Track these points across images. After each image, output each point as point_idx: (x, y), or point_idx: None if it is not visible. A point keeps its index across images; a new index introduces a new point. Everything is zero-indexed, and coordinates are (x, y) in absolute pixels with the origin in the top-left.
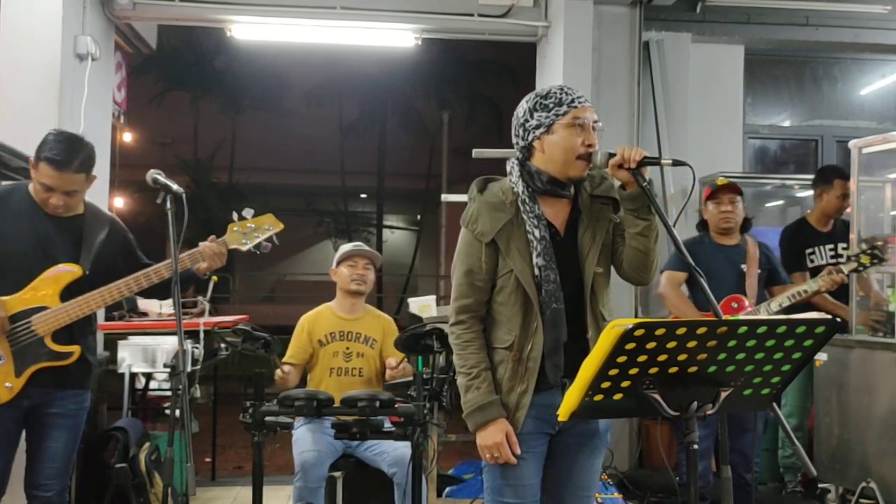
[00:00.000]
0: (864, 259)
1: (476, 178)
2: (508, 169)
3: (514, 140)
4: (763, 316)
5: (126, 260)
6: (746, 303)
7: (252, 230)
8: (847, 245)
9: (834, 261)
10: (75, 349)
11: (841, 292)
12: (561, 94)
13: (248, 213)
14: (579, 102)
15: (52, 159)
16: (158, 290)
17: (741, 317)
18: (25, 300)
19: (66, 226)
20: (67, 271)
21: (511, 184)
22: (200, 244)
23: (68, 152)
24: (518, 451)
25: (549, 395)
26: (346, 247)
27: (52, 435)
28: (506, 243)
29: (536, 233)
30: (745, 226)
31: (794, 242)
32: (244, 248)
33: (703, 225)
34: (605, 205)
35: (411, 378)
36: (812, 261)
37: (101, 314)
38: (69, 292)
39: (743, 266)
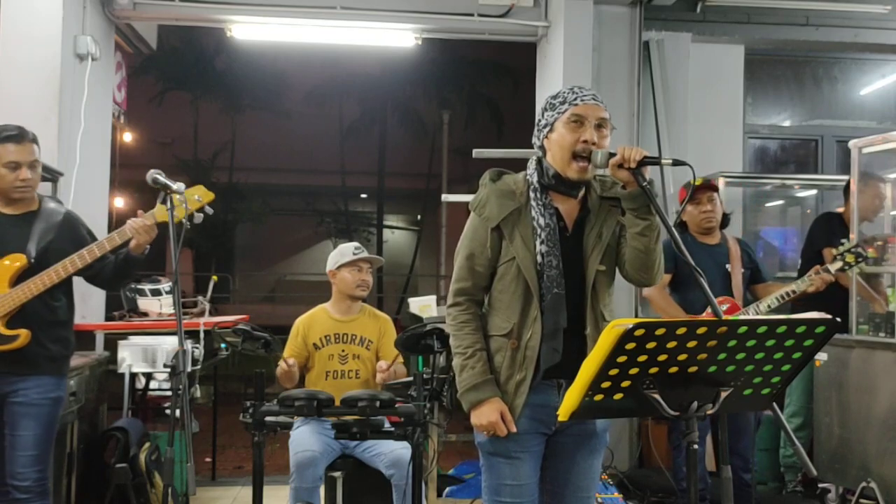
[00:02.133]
0: (850, 258)
1: (490, 169)
2: (529, 162)
3: (533, 140)
4: (753, 317)
5: (76, 251)
6: (737, 305)
7: (181, 202)
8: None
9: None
10: (21, 332)
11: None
12: (567, 93)
13: (179, 186)
14: (581, 100)
15: (11, 136)
16: (104, 274)
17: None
18: None
19: (19, 222)
20: (12, 259)
21: (527, 176)
22: (128, 221)
23: (18, 128)
24: (514, 429)
25: (544, 395)
26: (347, 250)
27: (21, 424)
28: (510, 230)
29: (542, 220)
30: (724, 222)
31: (828, 227)
32: (175, 221)
33: (681, 226)
34: (614, 206)
35: (411, 378)
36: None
37: (101, 314)
38: (21, 280)
39: (728, 266)
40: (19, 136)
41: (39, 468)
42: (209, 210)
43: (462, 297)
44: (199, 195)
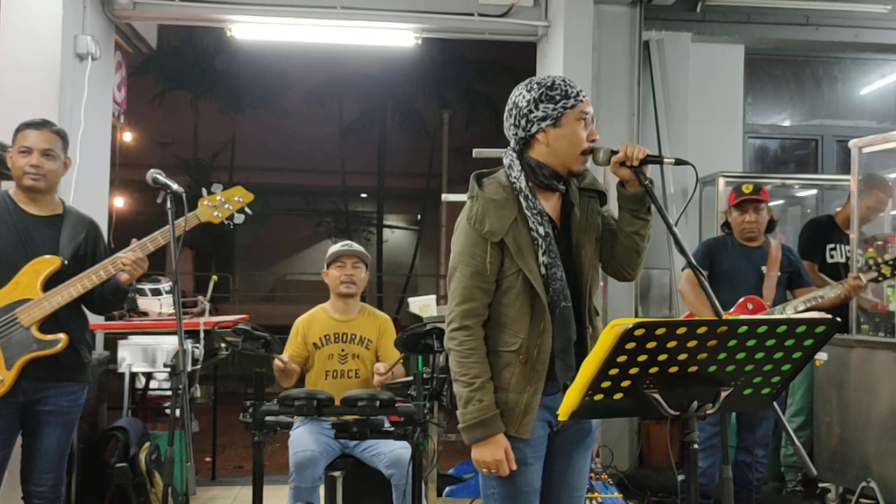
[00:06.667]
0: (886, 269)
1: (473, 173)
2: (507, 163)
3: (511, 131)
4: (754, 317)
5: (94, 263)
6: (764, 305)
7: (222, 203)
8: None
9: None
10: (62, 336)
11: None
12: (566, 86)
13: (216, 187)
14: (583, 97)
15: (30, 122)
16: (101, 298)
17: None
18: (9, 295)
19: (46, 223)
20: (46, 262)
21: (512, 179)
22: (121, 252)
23: (44, 120)
24: (514, 468)
25: (552, 398)
26: (334, 248)
27: (46, 432)
28: (513, 242)
29: (541, 230)
30: (770, 227)
31: (818, 233)
32: (216, 221)
33: (727, 225)
34: (592, 197)
35: (411, 378)
36: (832, 256)
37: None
38: (51, 284)
39: (763, 268)
40: (40, 123)
41: (56, 474)
42: (248, 211)
43: (471, 320)
44: (240, 196)
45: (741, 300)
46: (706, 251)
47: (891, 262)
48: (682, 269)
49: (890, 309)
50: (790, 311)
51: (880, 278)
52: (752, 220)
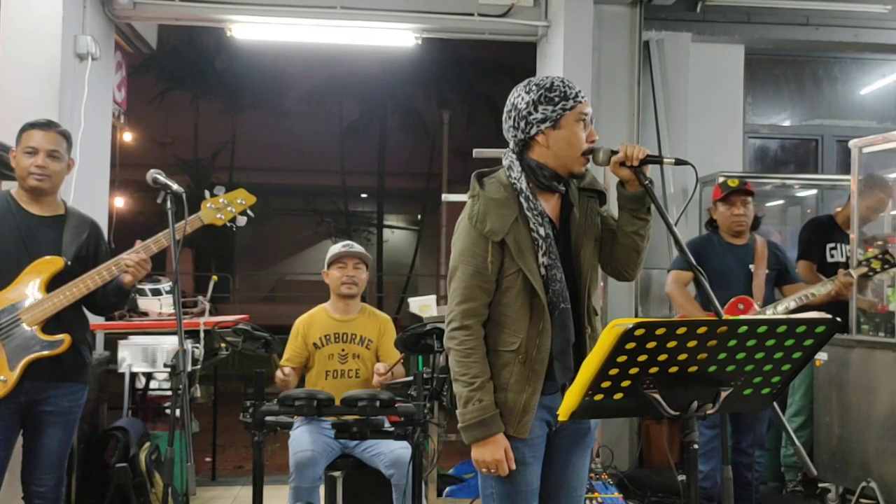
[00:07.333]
0: (876, 264)
1: (474, 173)
2: (507, 164)
3: (510, 133)
4: (754, 317)
5: (96, 264)
6: (753, 304)
7: (225, 205)
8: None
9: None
10: (65, 337)
11: None
12: (565, 87)
13: (219, 189)
14: (582, 97)
15: (36, 123)
16: (104, 298)
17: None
18: (11, 295)
19: (49, 224)
20: (48, 262)
21: (512, 179)
22: (124, 254)
23: (49, 120)
24: (514, 467)
25: (550, 398)
26: (335, 248)
27: (48, 432)
28: (514, 242)
29: (541, 231)
30: (755, 224)
31: (818, 233)
32: (219, 223)
33: (711, 223)
34: (592, 197)
35: (411, 378)
36: (832, 255)
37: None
38: (54, 284)
39: (751, 266)
40: (45, 124)
41: (57, 474)
42: (251, 213)
43: (472, 320)
44: (243, 198)
45: (731, 300)
46: (693, 251)
47: (880, 257)
48: (668, 271)
49: (890, 309)
50: (781, 309)
51: (871, 273)
52: (741, 212)
